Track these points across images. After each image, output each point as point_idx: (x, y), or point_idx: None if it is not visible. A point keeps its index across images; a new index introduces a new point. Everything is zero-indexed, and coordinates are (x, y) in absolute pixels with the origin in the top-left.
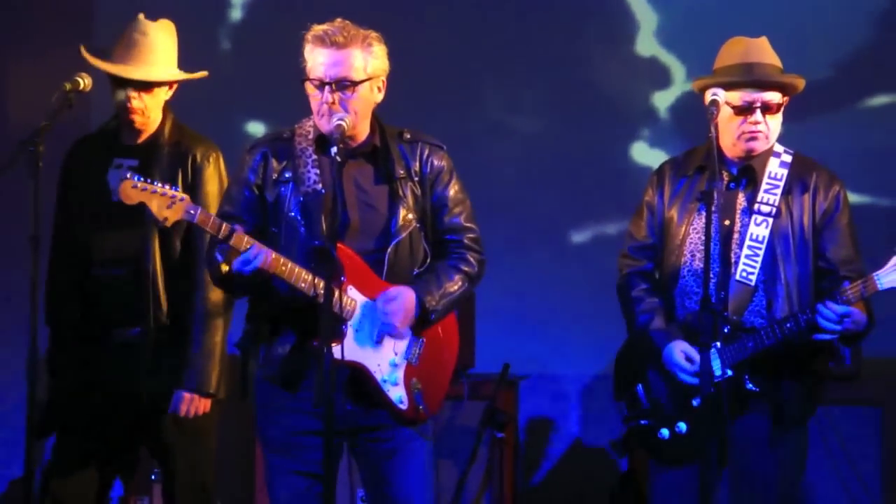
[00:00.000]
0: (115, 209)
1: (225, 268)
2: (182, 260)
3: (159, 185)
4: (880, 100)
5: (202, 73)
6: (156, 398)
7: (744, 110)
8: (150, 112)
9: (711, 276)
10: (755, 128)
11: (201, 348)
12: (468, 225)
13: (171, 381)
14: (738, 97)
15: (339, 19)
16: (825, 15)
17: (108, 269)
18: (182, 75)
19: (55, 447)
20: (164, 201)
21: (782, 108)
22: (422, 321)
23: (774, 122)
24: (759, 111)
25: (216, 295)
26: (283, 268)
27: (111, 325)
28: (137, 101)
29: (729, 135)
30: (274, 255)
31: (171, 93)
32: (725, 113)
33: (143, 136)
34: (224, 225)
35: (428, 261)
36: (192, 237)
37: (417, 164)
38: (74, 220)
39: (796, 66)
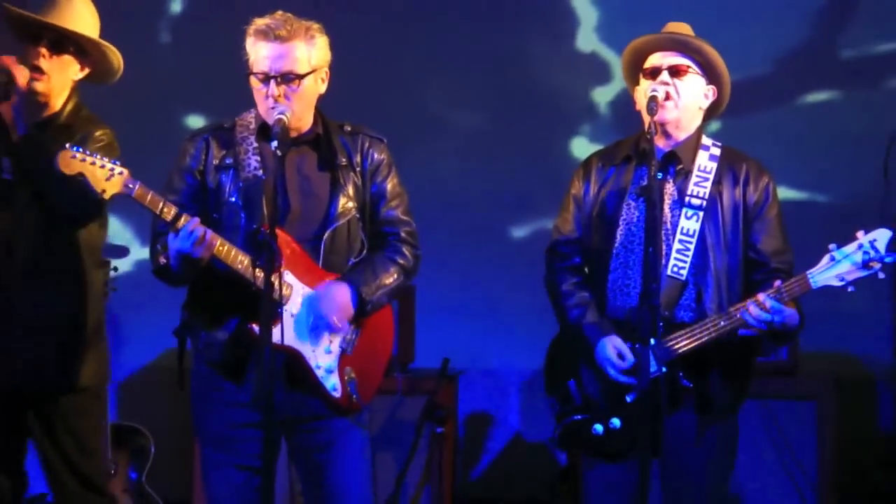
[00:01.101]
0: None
1: (162, 259)
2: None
3: (98, 157)
4: (819, 96)
5: (116, 52)
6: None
7: (653, 73)
8: (52, 82)
9: (641, 266)
10: (656, 87)
11: None
12: (405, 218)
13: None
14: (649, 61)
15: (279, 12)
16: (764, 11)
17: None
18: (98, 41)
19: None
20: (104, 173)
21: (693, 78)
22: (359, 312)
23: (685, 87)
24: (666, 72)
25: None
26: (222, 248)
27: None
28: (45, 59)
29: (641, 106)
30: (211, 233)
31: (80, 75)
32: (642, 92)
33: (41, 115)
34: (163, 201)
35: (364, 251)
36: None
37: (359, 155)
38: None
39: (736, 62)
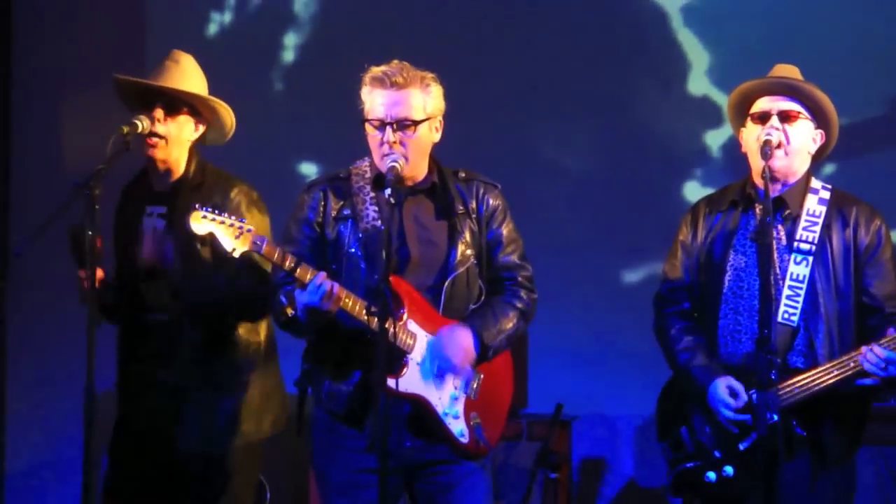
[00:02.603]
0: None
1: (290, 311)
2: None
3: (227, 216)
4: None
5: (228, 109)
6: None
7: (763, 118)
8: (171, 146)
9: (753, 313)
10: (770, 131)
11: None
12: (521, 263)
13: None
14: (757, 106)
15: (395, 60)
16: (875, 52)
17: (155, 315)
18: (210, 98)
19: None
20: (233, 232)
21: (804, 124)
22: (481, 357)
23: (795, 133)
24: (775, 117)
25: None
26: (348, 300)
27: (156, 368)
28: (161, 123)
29: (753, 154)
30: (339, 286)
31: (196, 135)
32: (751, 135)
33: (170, 181)
34: (289, 256)
35: (482, 297)
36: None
37: (474, 202)
38: (123, 269)
39: (850, 103)
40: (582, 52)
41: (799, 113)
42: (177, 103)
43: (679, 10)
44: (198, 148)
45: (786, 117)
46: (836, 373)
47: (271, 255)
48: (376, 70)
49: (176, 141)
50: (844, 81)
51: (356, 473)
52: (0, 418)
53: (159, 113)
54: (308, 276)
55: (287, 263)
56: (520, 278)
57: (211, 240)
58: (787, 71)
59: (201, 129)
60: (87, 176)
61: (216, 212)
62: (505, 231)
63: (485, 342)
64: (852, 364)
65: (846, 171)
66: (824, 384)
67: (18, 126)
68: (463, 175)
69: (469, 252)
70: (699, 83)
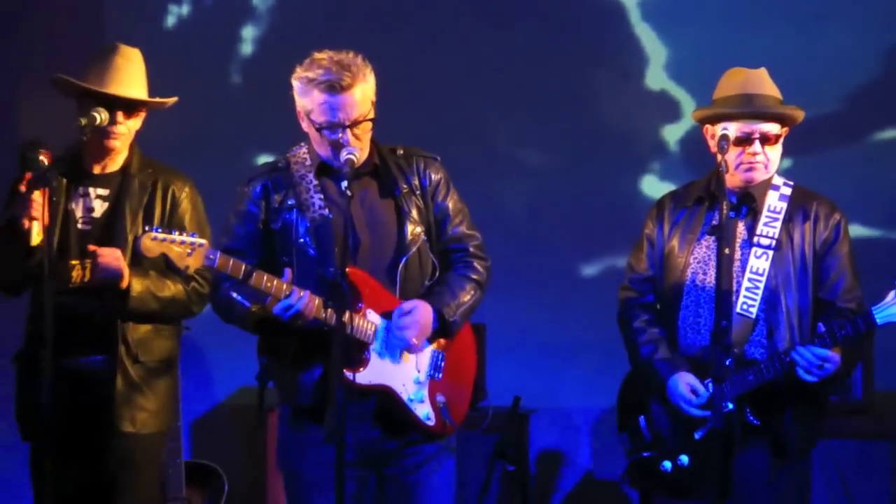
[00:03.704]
0: (79, 236)
1: (255, 309)
2: None
3: (177, 234)
4: (889, 133)
5: (173, 99)
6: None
7: (742, 141)
8: (129, 137)
9: (711, 304)
10: (753, 159)
11: None
12: (471, 233)
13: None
14: (736, 128)
15: (325, 56)
16: (834, 48)
17: (74, 297)
18: (160, 99)
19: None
20: (185, 249)
21: (781, 139)
22: (443, 332)
23: (773, 153)
24: (757, 142)
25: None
26: (313, 304)
27: (76, 354)
28: (122, 125)
29: (728, 165)
30: (308, 294)
31: (139, 123)
32: (730, 156)
33: (111, 166)
34: (244, 266)
35: (436, 273)
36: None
37: (416, 178)
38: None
39: (805, 99)
40: (540, 45)
41: (779, 134)
42: (137, 105)
43: (637, 4)
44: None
45: (766, 139)
46: (788, 360)
47: (225, 268)
48: (312, 72)
49: (132, 132)
50: (799, 76)
51: (328, 467)
52: None
53: (120, 116)
54: (283, 292)
55: (247, 275)
56: (471, 248)
57: (163, 261)
58: (760, 78)
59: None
60: (44, 168)
61: (167, 231)
62: (450, 203)
63: (446, 318)
64: (788, 359)
65: (802, 167)
66: (777, 372)
67: None
68: (401, 152)
69: (418, 230)
70: (657, 77)
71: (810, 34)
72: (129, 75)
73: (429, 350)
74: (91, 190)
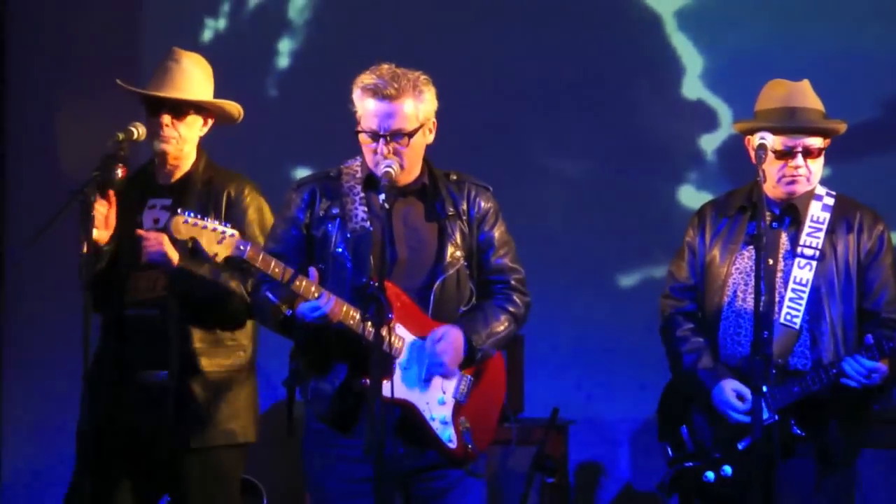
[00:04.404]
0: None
1: (284, 308)
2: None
3: (210, 220)
4: None
5: (234, 104)
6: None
7: (785, 154)
8: (182, 144)
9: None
10: (796, 172)
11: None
12: (513, 266)
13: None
14: (779, 142)
15: (386, 66)
16: (873, 54)
17: (140, 310)
18: (215, 101)
19: (71, 483)
20: (215, 237)
21: (823, 152)
22: (469, 360)
23: (816, 166)
24: (800, 155)
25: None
26: (345, 311)
27: (139, 367)
28: (170, 128)
29: (770, 177)
30: (336, 299)
31: (205, 129)
32: (771, 168)
33: (177, 175)
34: (276, 262)
35: (473, 300)
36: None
37: (465, 204)
38: (117, 258)
39: (842, 107)
40: (576, 56)
41: (822, 148)
42: (182, 107)
43: (673, 14)
44: (203, 145)
45: (809, 152)
46: (834, 372)
47: (255, 260)
48: (367, 79)
49: (187, 139)
50: (837, 83)
51: (352, 483)
52: None
53: (166, 119)
54: (312, 293)
55: (272, 268)
56: (512, 281)
57: (192, 245)
58: (803, 93)
59: (210, 121)
60: (82, 182)
61: (197, 216)
62: (496, 233)
63: (473, 345)
64: (835, 371)
65: (843, 174)
66: (823, 384)
67: (14, 132)
68: (455, 177)
69: (459, 254)
70: (693, 87)
71: (847, 41)
72: (179, 78)
73: (457, 374)
74: (157, 201)
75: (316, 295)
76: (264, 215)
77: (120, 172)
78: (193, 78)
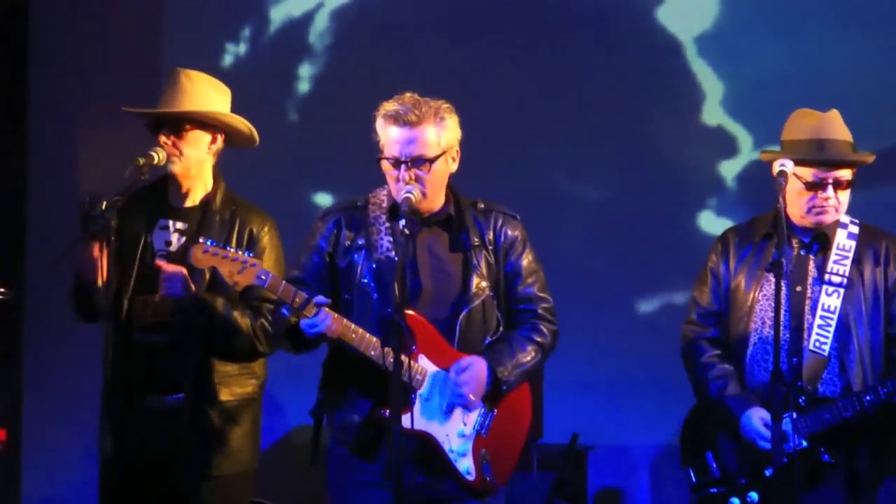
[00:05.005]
0: (154, 269)
1: (293, 320)
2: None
3: (231, 249)
4: None
5: (239, 118)
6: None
7: (815, 186)
8: (187, 162)
9: (783, 342)
10: (826, 203)
11: None
12: (542, 295)
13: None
14: (809, 173)
15: (408, 94)
16: (893, 82)
17: (148, 335)
18: (209, 112)
19: None
20: (236, 266)
21: (852, 183)
22: (494, 392)
23: (844, 197)
24: (830, 187)
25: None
26: (353, 335)
27: (147, 392)
28: (170, 146)
29: (798, 207)
30: (343, 322)
31: (214, 148)
32: (795, 185)
33: (193, 199)
34: (297, 292)
35: (500, 329)
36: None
37: (491, 233)
38: (119, 282)
39: (864, 134)
40: (596, 81)
41: (850, 180)
42: (179, 122)
43: (693, 40)
44: (221, 171)
45: (839, 184)
46: (869, 399)
47: (275, 289)
48: (389, 106)
49: (192, 157)
50: (859, 110)
51: None
52: (16, 449)
53: (163, 137)
54: (311, 311)
55: (294, 299)
56: (539, 310)
57: (212, 273)
58: (832, 124)
59: (219, 138)
60: (105, 206)
61: (219, 245)
62: (524, 262)
63: (498, 377)
64: (886, 392)
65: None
66: (856, 411)
67: (36, 154)
68: (482, 206)
69: (484, 284)
70: (713, 113)
71: (867, 70)
72: (175, 95)
73: (479, 406)
74: (170, 223)
75: (315, 312)
76: (280, 255)
77: (114, 223)
78: (192, 94)
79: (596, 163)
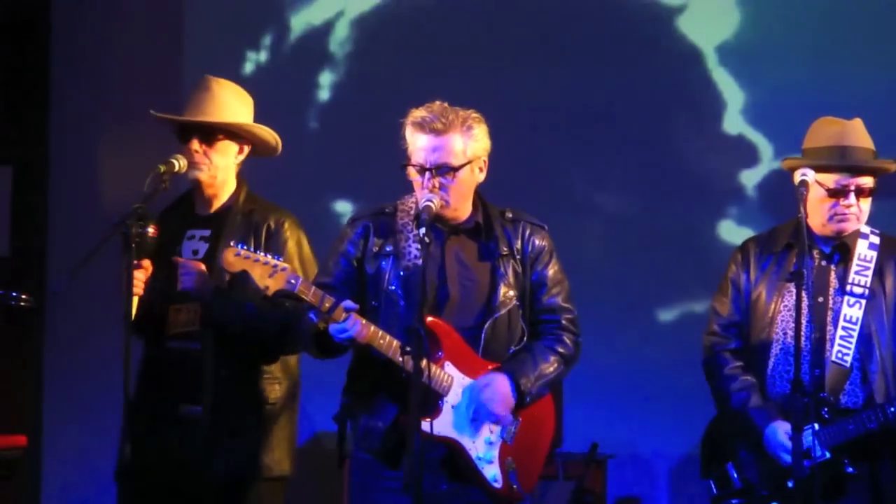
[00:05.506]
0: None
1: (322, 325)
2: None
3: (262, 253)
4: None
5: (268, 129)
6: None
7: (837, 193)
8: (215, 171)
9: (805, 353)
10: (848, 211)
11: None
12: (566, 305)
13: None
14: (831, 180)
15: (437, 103)
16: None
17: (181, 344)
18: (244, 124)
19: None
20: (266, 270)
21: (873, 191)
22: (518, 404)
23: (866, 205)
24: (852, 194)
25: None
26: (381, 341)
27: (179, 401)
28: (200, 154)
29: (820, 215)
30: (372, 328)
31: (241, 157)
32: (817, 193)
33: (216, 206)
34: (325, 296)
35: (524, 339)
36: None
37: (519, 242)
38: (151, 294)
39: (886, 143)
40: (616, 90)
41: (872, 188)
42: (212, 131)
43: (714, 49)
44: (244, 177)
45: (861, 192)
46: (893, 410)
47: (306, 294)
48: (417, 113)
49: (220, 166)
50: (880, 119)
51: None
52: (36, 456)
53: (195, 145)
54: (341, 316)
55: (323, 303)
56: (563, 321)
57: (244, 278)
58: (855, 132)
59: (245, 149)
60: (124, 214)
61: (250, 249)
62: (550, 272)
63: (521, 389)
64: (893, 409)
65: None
66: (881, 422)
67: (57, 162)
68: (510, 215)
69: (511, 293)
70: (734, 122)
71: (889, 79)
72: (208, 103)
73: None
74: (196, 232)
75: (344, 318)
76: (303, 248)
77: (151, 230)
78: (223, 103)
79: (616, 172)
